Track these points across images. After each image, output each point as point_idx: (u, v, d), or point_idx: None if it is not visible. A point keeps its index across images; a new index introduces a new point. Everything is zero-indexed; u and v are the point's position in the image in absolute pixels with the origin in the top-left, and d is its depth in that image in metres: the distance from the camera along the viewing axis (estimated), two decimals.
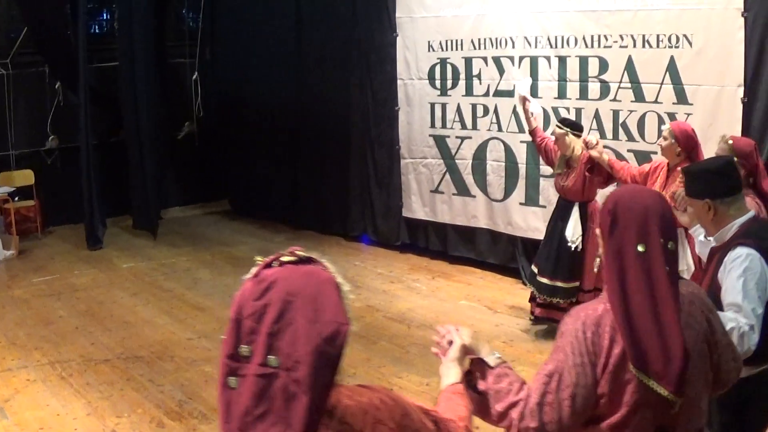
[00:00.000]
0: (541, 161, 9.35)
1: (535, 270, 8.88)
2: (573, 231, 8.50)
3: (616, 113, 9.43)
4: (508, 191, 10.76)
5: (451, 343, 3.13)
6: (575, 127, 8.53)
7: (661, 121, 8.94)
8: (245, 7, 14.54)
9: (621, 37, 9.26)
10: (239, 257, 12.27)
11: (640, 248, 3.04)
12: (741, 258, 4.33)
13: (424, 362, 8.06)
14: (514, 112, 10.41)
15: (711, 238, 4.68)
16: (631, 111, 9.27)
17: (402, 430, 2.37)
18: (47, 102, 13.86)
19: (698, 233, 5.03)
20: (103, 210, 13.28)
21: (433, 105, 11.49)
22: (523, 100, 8.95)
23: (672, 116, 8.79)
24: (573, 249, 8.45)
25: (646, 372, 2.98)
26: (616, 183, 8.12)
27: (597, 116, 9.59)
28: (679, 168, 6.52)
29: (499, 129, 10.65)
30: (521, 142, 10.29)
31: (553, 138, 8.68)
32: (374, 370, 7.95)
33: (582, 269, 8.46)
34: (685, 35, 8.72)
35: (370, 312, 9.71)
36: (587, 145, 8.13)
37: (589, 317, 3.09)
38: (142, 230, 13.81)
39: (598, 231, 3.27)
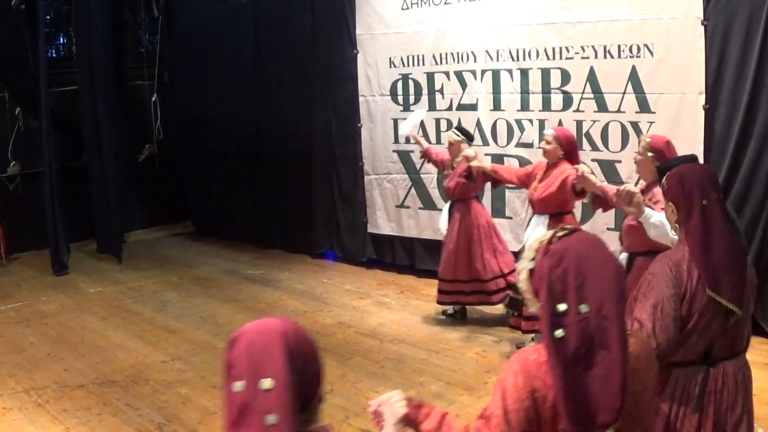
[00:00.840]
0: None
1: None
2: (443, 222, 9.71)
3: (579, 123, 9.54)
4: None
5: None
6: (469, 136, 9.63)
7: (624, 131, 9.12)
8: (202, 27, 14.54)
9: (582, 48, 9.40)
10: (206, 278, 12.30)
11: (704, 202, 4.19)
12: None
13: (399, 376, 8.14)
14: (478, 125, 10.55)
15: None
16: (594, 121, 9.39)
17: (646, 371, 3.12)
18: (8, 128, 13.76)
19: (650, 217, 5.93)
20: (67, 235, 13.19)
21: (396, 120, 11.54)
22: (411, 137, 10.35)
23: (635, 125, 8.98)
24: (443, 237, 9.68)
25: (719, 293, 4.08)
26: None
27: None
28: (578, 169, 7.20)
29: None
30: (486, 154, 10.33)
31: (440, 151, 9.96)
32: (350, 385, 7.96)
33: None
34: (646, 45, 8.87)
35: (341, 328, 9.73)
36: (467, 159, 9.00)
37: (671, 260, 4.19)
38: (107, 254, 13.75)
39: (658, 191, 4.66)
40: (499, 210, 10.50)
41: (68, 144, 14.36)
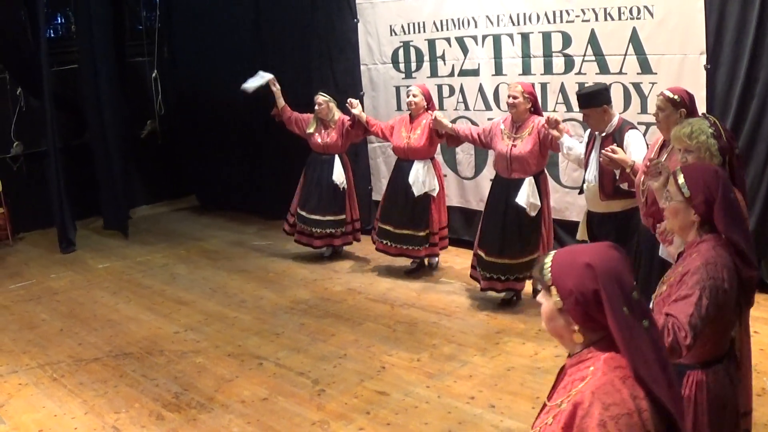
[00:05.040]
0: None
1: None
2: (339, 176, 10.83)
3: (581, 86, 9.51)
4: (478, 169, 10.93)
5: None
6: (334, 97, 10.94)
7: (626, 92, 9.14)
8: (201, 2, 14.52)
9: (583, 11, 9.41)
10: (213, 250, 12.39)
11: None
12: (638, 133, 7.39)
13: (411, 339, 8.25)
14: (480, 90, 10.58)
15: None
16: (596, 83, 9.40)
17: None
18: (10, 109, 13.77)
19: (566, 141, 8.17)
20: (72, 213, 13.22)
21: (398, 88, 11.61)
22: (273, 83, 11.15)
23: (637, 86, 9.01)
24: (342, 189, 10.87)
25: None
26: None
27: (563, 90, 9.75)
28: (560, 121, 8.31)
29: (466, 108, 10.79)
30: (488, 119, 10.31)
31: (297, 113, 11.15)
32: (364, 350, 8.06)
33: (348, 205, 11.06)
34: (646, 6, 8.88)
35: (351, 295, 9.83)
36: (351, 105, 10.26)
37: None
38: (113, 230, 13.80)
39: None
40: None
41: (70, 123, 14.39)
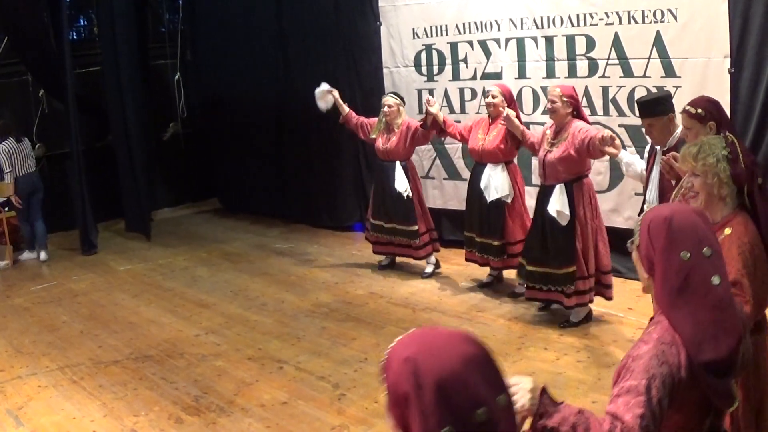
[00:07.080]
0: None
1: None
2: (401, 184, 10.25)
3: (605, 89, 9.52)
4: None
5: None
6: (403, 100, 10.53)
7: None
8: (224, 4, 14.55)
9: (607, 14, 9.35)
10: (235, 253, 12.41)
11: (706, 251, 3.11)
12: None
13: None
14: None
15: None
16: (620, 87, 9.36)
17: None
18: (32, 110, 13.84)
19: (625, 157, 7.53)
20: (94, 215, 13.27)
21: (420, 91, 11.56)
22: (329, 92, 10.71)
23: (661, 90, 8.91)
24: (406, 197, 10.25)
25: None
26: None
27: (587, 93, 9.66)
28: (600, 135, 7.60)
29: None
30: None
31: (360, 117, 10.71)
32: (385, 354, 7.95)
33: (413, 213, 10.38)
34: (670, 9, 8.81)
35: (373, 298, 9.80)
36: (429, 103, 9.72)
37: None
38: (135, 233, 13.86)
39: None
40: (525, 178, 10.42)
41: (92, 125, 14.47)
